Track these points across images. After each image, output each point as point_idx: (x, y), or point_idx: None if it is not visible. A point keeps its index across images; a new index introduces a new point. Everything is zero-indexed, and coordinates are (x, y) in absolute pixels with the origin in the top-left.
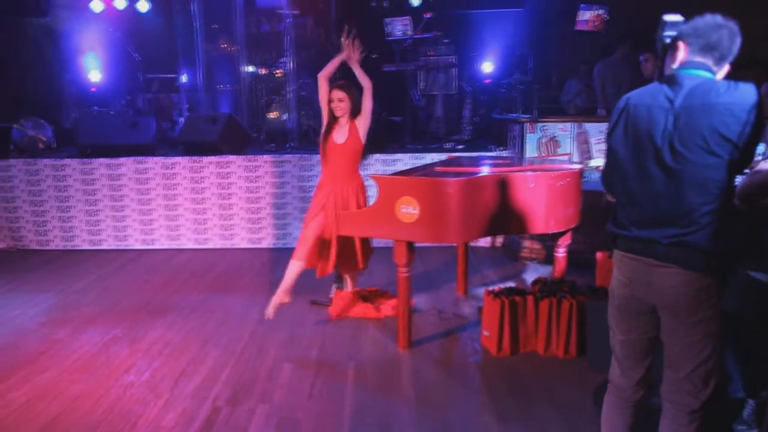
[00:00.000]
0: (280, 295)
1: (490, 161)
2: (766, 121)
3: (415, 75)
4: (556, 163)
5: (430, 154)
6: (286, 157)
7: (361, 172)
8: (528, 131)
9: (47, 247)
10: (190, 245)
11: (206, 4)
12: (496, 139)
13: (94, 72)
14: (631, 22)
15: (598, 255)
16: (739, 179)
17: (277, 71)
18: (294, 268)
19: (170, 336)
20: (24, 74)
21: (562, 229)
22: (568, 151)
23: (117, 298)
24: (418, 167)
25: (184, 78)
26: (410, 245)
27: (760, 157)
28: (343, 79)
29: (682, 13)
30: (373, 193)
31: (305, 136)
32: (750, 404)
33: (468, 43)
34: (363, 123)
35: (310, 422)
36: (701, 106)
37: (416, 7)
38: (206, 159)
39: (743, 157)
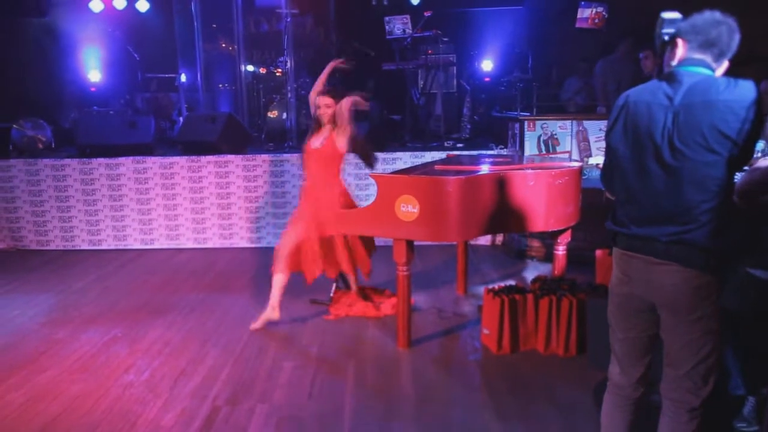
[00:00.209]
0: (269, 312)
1: (490, 159)
2: (765, 117)
3: (414, 73)
4: (556, 161)
5: (429, 152)
6: (285, 156)
7: (361, 171)
8: (527, 129)
9: (47, 248)
10: (190, 245)
11: (205, 3)
12: (496, 138)
13: (93, 72)
14: (631, 19)
15: (598, 253)
16: (738, 176)
17: (277, 70)
18: (277, 282)
19: (170, 336)
20: (23, 74)
21: (562, 227)
22: (568, 149)
23: (117, 298)
24: (417, 166)
25: (183, 77)
26: (410, 244)
27: (759, 154)
28: (333, 86)
29: (681, 11)
30: (372, 192)
31: (304, 136)
32: (750, 401)
33: (467, 42)
34: (342, 134)
35: (310, 421)
36: (701, 104)
37: (416, 6)
38: (205, 158)
39: (743, 154)
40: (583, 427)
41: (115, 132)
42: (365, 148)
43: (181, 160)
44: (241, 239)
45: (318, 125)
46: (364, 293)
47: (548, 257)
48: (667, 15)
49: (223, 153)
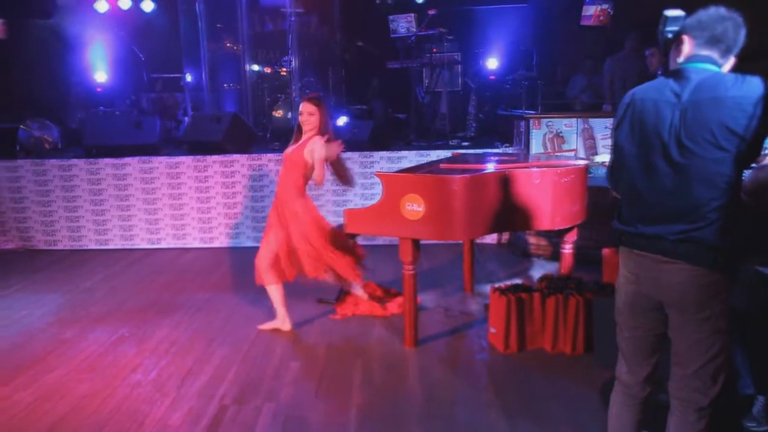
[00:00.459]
0: (278, 323)
1: (495, 158)
2: None
3: (419, 72)
4: (562, 159)
5: (435, 151)
6: None
7: (366, 170)
8: (533, 127)
9: (55, 247)
10: (196, 244)
11: (210, 3)
12: (501, 136)
13: (99, 72)
14: (636, 15)
15: (605, 251)
16: (746, 174)
17: (282, 70)
18: (274, 293)
19: (177, 335)
20: (30, 75)
21: (568, 226)
22: (574, 147)
23: (124, 298)
24: (423, 164)
25: (188, 77)
26: (416, 243)
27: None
28: (317, 93)
29: (686, 7)
30: (377, 191)
31: None
32: (760, 401)
33: (472, 40)
34: (316, 149)
35: (317, 420)
36: (709, 100)
37: (420, 4)
38: (211, 158)
39: (751, 150)
40: (590, 426)
41: (121, 132)
42: (342, 167)
43: (187, 160)
44: (248, 238)
45: (300, 132)
46: (371, 292)
47: (555, 256)
48: (671, 13)
49: (229, 152)
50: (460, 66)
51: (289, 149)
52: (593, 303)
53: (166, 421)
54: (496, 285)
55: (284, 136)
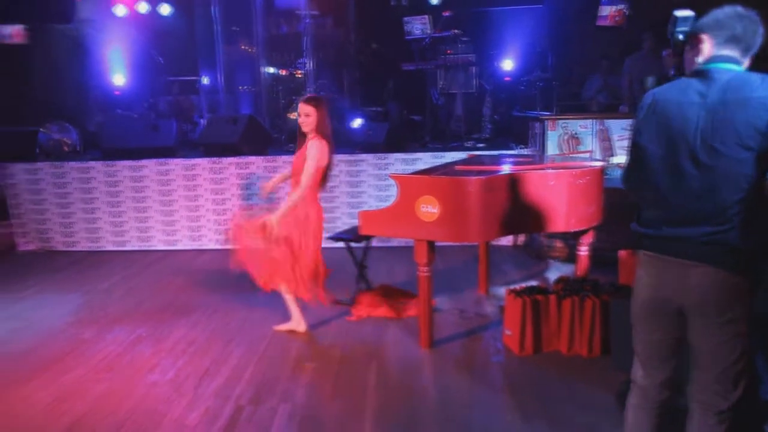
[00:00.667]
0: (293, 324)
1: (511, 159)
2: None
3: (434, 74)
4: (578, 160)
5: (450, 152)
6: None
7: (381, 172)
8: (548, 129)
9: (74, 249)
10: (212, 246)
11: (226, 6)
12: (517, 137)
13: (117, 76)
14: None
15: (621, 253)
16: None
17: (297, 72)
18: (287, 295)
19: (194, 335)
20: (49, 79)
21: (584, 228)
22: (590, 149)
23: (141, 298)
24: (438, 166)
25: (204, 80)
26: (431, 244)
27: None
28: (315, 93)
29: (701, 6)
30: (392, 193)
31: None
32: None
33: (487, 41)
34: (309, 155)
35: (332, 422)
36: (736, 101)
37: (435, 6)
38: (227, 160)
39: None
40: (606, 430)
41: (139, 135)
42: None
43: (203, 162)
44: None
45: (302, 135)
46: (386, 294)
47: (571, 258)
48: (680, 13)
49: (245, 154)
50: (475, 67)
51: (295, 155)
52: (610, 305)
53: (183, 420)
54: (512, 287)
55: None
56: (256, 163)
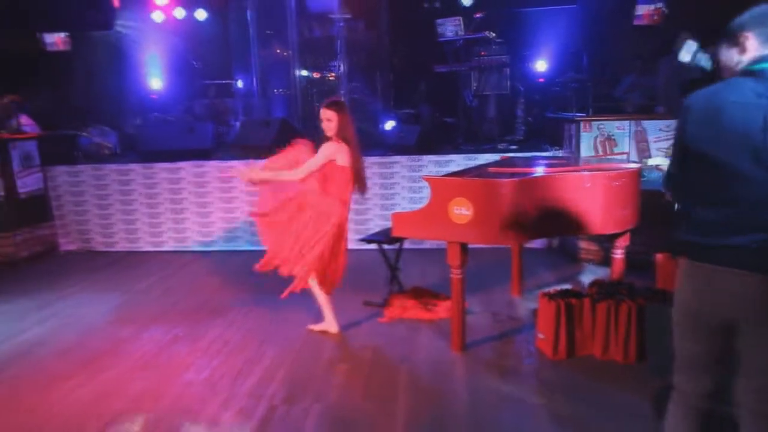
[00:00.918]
0: (326, 325)
1: (545, 161)
2: None
3: (467, 75)
4: (613, 162)
5: (483, 154)
6: None
7: (414, 174)
8: (583, 130)
9: (113, 249)
10: (247, 247)
11: (260, 10)
12: (551, 139)
13: (155, 80)
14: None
15: (658, 256)
16: None
17: (330, 74)
18: (318, 296)
19: (229, 335)
20: (90, 84)
21: (620, 230)
22: (626, 150)
23: (177, 298)
24: (471, 168)
25: (239, 83)
26: (463, 246)
27: None
28: (343, 96)
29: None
30: (425, 195)
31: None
32: None
33: (520, 42)
34: (320, 150)
35: (363, 423)
36: None
37: (468, 7)
38: (261, 162)
39: None
40: None
41: (175, 137)
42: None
43: (238, 164)
44: None
45: (327, 139)
46: (418, 296)
47: (605, 261)
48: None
49: None
50: (508, 69)
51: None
52: (646, 309)
53: (217, 419)
54: (545, 290)
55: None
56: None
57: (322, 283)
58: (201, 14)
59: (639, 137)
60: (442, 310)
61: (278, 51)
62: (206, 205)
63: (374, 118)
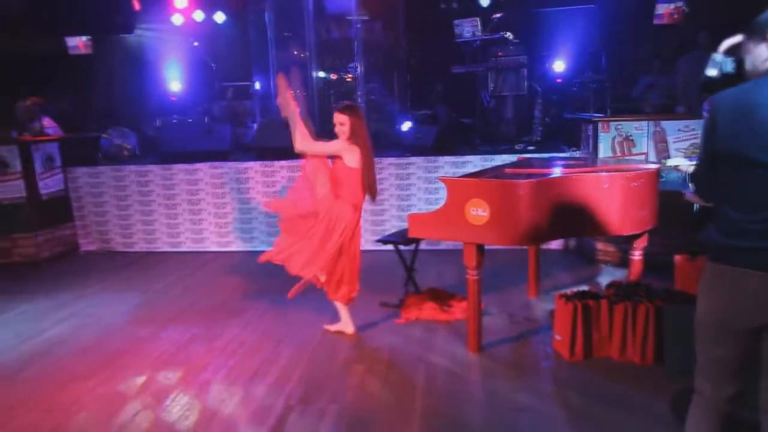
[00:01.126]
0: (342, 326)
1: (562, 162)
2: None
3: (484, 76)
4: (631, 163)
5: (500, 155)
6: None
7: (431, 175)
8: (601, 131)
9: (132, 249)
10: (264, 247)
11: (278, 12)
12: (568, 140)
13: (174, 82)
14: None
15: (677, 258)
16: None
17: (347, 76)
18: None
19: (245, 335)
20: (112, 87)
21: (638, 232)
22: (644, 151)
23: (195, 298)
24: (488, 169)
25: (257, 85)
26: (480, 248)
27: None
28: (349, 101)
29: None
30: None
31: (375, 140)
32: None
33: (538, 43)
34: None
35: (380, 423)
36: None
37: (485, 8)
38: (278, 163)
39: None
40: None
41: (194, 139)
42: (370, 175)
43: (256, 165)
44: None
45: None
46: (434, 297)
47: (623, 262)
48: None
49: (297, 158)
50: (525, 69)
51: (333, 163)
52: (665, 311)
53: (234, 419)
54: (562, 291)
55: None
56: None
57: (329, 284)
58: (220, 17)
59: (658, 137)
60: (458, 311)
61: (296, 53)
62: (223, 206)
63: (391, 119)
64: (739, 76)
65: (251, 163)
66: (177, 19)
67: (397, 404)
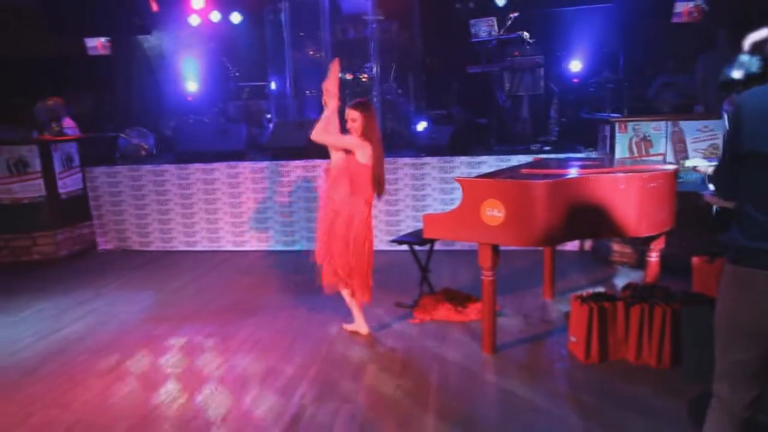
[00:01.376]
0: (356, 327)
1: (579, 163)
2: None
3: (500, 76)
4: (649, 163)
5: (515, 155)
6: None
7: (446, 175)
8: (618, 131)
9: (148, 248)
10: (279, 247)
11: (294, 12)
12: (585, 140)
13: (191, 83)
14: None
15: (695, 260)
16: None
17: (363, 76)
18: (348, 296)
19: (260, 334)
20: (130, 87)
21: (655, 233)
22: (662, 151)
23: (210, 298)
24: (503, 169)
25: (273, 85)
26: (495, 248)
27: None
28: (364, 98)
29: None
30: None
31: (389, 140)
32: None
33: (555, 42)
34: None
35: (393, 424)
36: None
37: (501, 8)
38: (293, 163)
39: None
40: None
41: (210, 139)
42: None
43: (271, 165)
44: None
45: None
46: (449, 297)
47: (639, 264)
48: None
49: (312, 158)
50: (542, 69)
51: (346, 160)
52: (682, 314)
53: (248, 417)
54: (578, 292)
55: None
56: (322, 166)
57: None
58: (236, 17)
59: (676, 138)
60: (473, 311)
61: (311, 53)
62: (239, 206)
63: (406, 119)
64: (762, 76)
65: (267, 163)
66: (194, 20)
67: (411, 405)
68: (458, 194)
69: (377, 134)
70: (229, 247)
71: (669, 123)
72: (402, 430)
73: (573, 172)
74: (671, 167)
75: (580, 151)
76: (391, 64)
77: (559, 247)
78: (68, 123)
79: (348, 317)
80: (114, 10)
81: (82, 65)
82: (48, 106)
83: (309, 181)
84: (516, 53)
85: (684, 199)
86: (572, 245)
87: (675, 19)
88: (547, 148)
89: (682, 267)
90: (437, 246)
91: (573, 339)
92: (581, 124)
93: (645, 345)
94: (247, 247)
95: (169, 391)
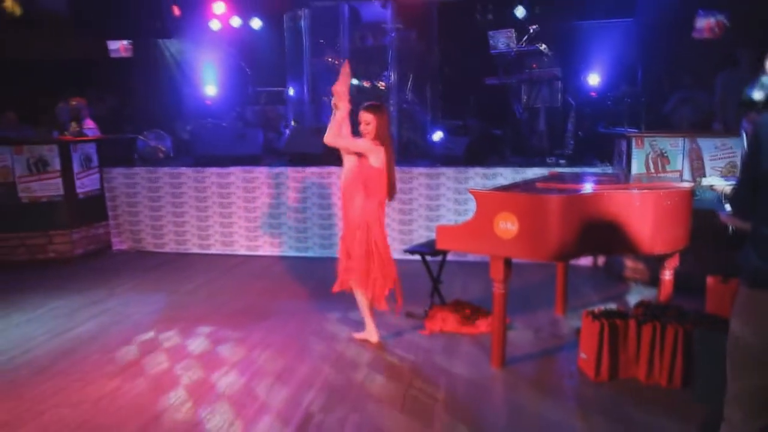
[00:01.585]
0: (366, 334)
1: (594, 178)
2: None
3: (518, 88)
4: (665, 180)
5: (531, 168)
6: None
7: (461, 186)
8: (635, 146)
9: (162, 250)
10: (292, 253)
11: (314, 19)
12: (601, 155)
13: (209, 86)
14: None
15: (710, 279)
16: None
17: (380, 84)
18: (360, 303)
19: (270, 339)
20: (150, 90)
21: (669, 251)
22: (679, 168)
23: (222, 301)
24: (518, 183)
25: (291, 91)
26: (507, 261)
27: None
28: (376, 101)
29: None
30: (471, 207)
31: (406, 149)
32: None
33: (573, 55)
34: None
35: None
36: None
37: (521, 20)
38: (309, 169)
39: None
40: None
41: (227, 143)
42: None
43: (287, 170)
44: None
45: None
46: (460, 309)
47: (653, 281)
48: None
49: (328, 165)
50: (560, 82)
51: (358, 163)
52: (695, 334)
53: (255, 423)
54: (589, 309)
55: None
56: (337, 173)
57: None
58: (256, 23)
59: (693, 155)
60: (483, 324)
61: (330, 59)
62: (253, 210)
63: (422, 129)
64: None
65: (283, 168)
66: (215, 25)
67: (418, 416)
68: (472, 206)
69: (389, 136)
70: (243, 252)
71: (687, 140)
72: None
73: (588, 187)
74: (687, 185)
75: (595, 165)
76: (409, 73)
77: (572, 262)
78: (89, 124)
79: (359, 326)
80: (137, 13)
81: (104, 67)
82: (71, 107)
83: (323, 187)
84: (534, 65)
85: (700, 217)
86: (585, 260)
87: (695, 35)
88: (562, 161)
89: (696, 286)
90: (449, 256)
91: (583, 356)
92: (598, 138)
93: (656, 364)
94: (260, 252)
95: (178, 394)
